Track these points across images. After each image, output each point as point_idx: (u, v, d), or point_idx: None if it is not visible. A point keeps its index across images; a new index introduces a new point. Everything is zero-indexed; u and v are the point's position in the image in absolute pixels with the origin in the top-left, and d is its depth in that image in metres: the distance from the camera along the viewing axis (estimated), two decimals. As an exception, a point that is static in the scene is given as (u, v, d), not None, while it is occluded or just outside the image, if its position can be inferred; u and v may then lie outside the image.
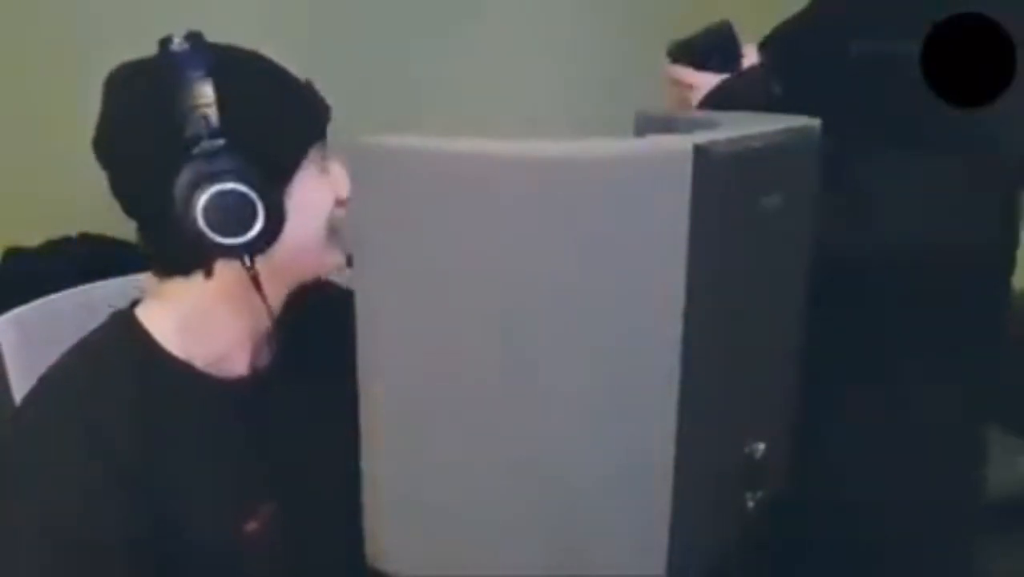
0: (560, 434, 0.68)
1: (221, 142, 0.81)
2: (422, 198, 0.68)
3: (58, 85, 1.96)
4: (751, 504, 0.80)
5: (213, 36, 0.90)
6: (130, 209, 0.89)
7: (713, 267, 0.66)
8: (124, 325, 0.92)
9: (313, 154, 0.91)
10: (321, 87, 0.97)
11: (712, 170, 0.64)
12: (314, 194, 0.91)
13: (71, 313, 1.09)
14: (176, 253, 0.87)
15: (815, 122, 0.84)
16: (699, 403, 0.68)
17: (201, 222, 0.81)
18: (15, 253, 2.02)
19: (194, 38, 0.84)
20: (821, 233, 0.83)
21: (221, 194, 0.81)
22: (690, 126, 0.76)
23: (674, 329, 0.65)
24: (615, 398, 0.67)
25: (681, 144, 0.64)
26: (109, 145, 0.88)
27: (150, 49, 0.87)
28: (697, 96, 1.13)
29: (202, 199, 0.80)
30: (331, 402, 0.93)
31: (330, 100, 0.96)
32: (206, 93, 0.81)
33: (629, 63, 2.30)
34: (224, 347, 0.93)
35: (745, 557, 0.84)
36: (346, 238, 0.94)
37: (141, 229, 0.90)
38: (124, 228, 1.01)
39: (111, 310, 0.96)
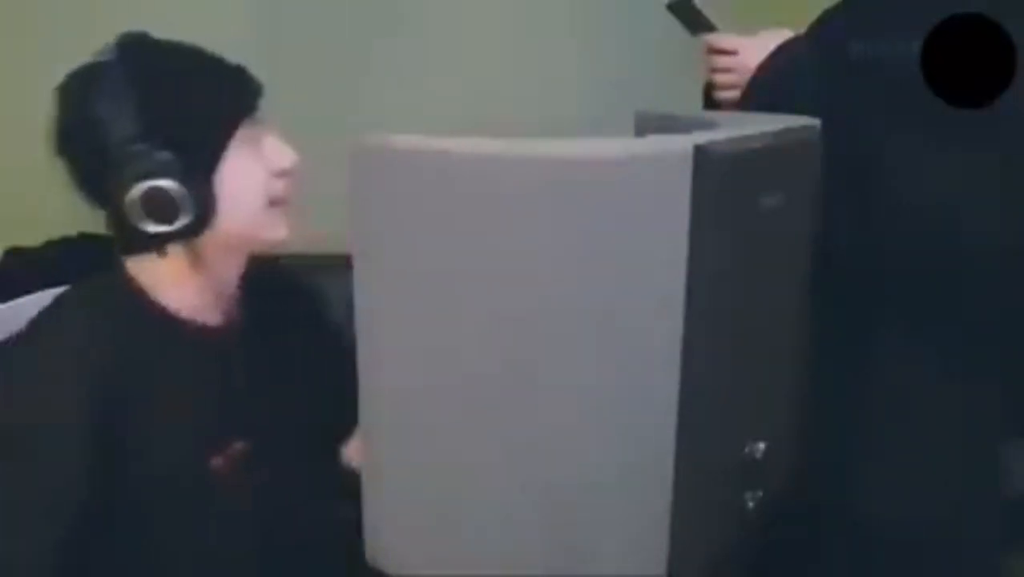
0: (560, 434, 0.68)
1: (146, 144, 0.90)
2: (422, 198, 0.68)
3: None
4: (751, 504, 0.80)
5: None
6: (91, 203, 0.98)
7: (713, 267, 0.67)
8: (117, 271, 1.01)
9: (241, 135, 0.97)
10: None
11: (712, 170, 0.64)
12: (244, 175, 0.97)
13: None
14: (128, 237, 0.96)
15: (815, 122, 0.84)
16: (699, 403, 0.68)
17: (137, 215, 0.91)
18: (16, 253, 2.02)
19: (125, 43, 0.94)
20: (832, 232, 0.82)
21: (151, 189, 0.91)
22: (690, 126, 0.76)
23: (674, 329, 0.66)
24: (615, 398, 0.67)
25: (681, 144, 0.64)
26: (62, 148, 0.96)
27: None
28: (745, 59, 1.11)
29: (134, 195, 0.90)
30: (298, 359, 1.08)
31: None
32: (131, 98, 0.91)
33: (629, 63, 2.31)
34: (196, 301, 1.02)
35: (745, 557, 0.85)
36: (288, 210, 1.02)
37: (107, 217, 0.98)
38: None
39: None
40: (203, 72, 0.97)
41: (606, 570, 0.70)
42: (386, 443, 0.74)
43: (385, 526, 0.76)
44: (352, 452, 1.12)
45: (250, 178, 0.97)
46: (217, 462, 0.98)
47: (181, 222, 0.92)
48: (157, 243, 0.95)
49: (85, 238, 2.01)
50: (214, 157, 0.95)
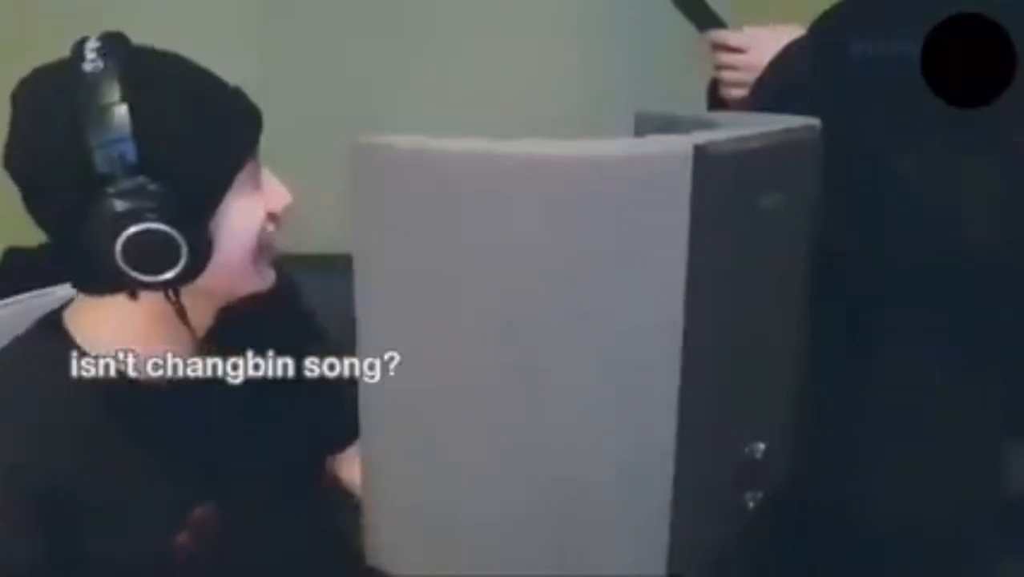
0: (561, 434, 0.68)
1: (139, 179, 0.75)
2: (423, 198, 0.68)
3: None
4: (751, 504, 0.80)
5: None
6: (43, 228, 0.84)
7: (713, 267, 0.67)
8: (50, 331, 0.88)
9: (243, 174, 0.84)
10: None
11: (712, 170, 0.64)
12: (243, 217, 0.85)
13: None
14: (96, 278, 0.83)
15: (815, 122, 0.84)
16: (699, 403, 0.68)
17: (120, 261, 0.76)
18: (15, 252, 2.02)
19: (108, 48, 0.78)
20: (833, 230, 0.82)
21: (140, 233, 0.76)
22: (690, 126, 0.76)
23: (674, 329, 0.65)
24: (615, 398, 0.67)
25: (681, 144, 0.64)
26: (19, 163, 0.81)
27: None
28: (752, 58, 1.11)
29: (120, 238, 0.75)
30: (268, 404, 0.92)
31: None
32: (121, 123, 0.75)
33: (629, 63, 2.31)
34: (155, 356, 0.88)
35: (745, 557, 0.85)
36: (275, 254, 0.91)
37: (56, 247, 0.85)
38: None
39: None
40: (204, 95, 0.83)
41: (606, 570, 0.70)
42: (386, 444, 0.74)
43: (385, 527, 0.76)
44: (342, 465, 1.03)
45: (248, 223, 0.85)
46: (182, 539, 0.85)
47: (168, 274, 0.78)
48: (130, 288, 0.81)
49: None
50: (216, 198, 0.81)
